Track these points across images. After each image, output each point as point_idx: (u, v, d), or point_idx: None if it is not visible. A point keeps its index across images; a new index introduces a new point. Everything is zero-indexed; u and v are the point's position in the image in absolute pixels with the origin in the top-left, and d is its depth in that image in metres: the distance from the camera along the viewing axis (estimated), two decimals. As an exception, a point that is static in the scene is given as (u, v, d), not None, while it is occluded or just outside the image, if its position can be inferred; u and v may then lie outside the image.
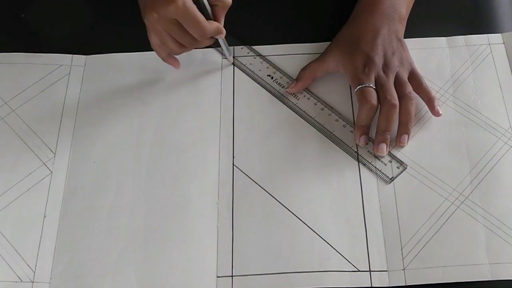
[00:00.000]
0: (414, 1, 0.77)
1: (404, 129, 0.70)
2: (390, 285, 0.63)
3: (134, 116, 0.75)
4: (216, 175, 0.70)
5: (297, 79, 0.76)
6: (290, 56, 0.78)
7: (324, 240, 0.66)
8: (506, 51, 0.76)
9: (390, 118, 0.70)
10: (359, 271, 0.64)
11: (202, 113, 0.75)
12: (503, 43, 0.77)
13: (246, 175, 0.70)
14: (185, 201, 0.69)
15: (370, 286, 0.63)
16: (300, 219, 0.67)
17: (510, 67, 0.75)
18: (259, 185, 0.69)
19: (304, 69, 0.76)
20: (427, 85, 0.72)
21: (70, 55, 0.80)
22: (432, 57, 0.76)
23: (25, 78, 0.78)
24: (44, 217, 0.69)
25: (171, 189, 0.70)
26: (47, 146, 0.73)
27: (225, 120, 0.74)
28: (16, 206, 0.70)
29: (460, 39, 0.78)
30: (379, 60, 0.72)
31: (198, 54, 0.79)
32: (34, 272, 0.66)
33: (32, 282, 0.65)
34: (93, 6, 0.84)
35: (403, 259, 0.64)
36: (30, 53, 0.80)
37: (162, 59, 0.75)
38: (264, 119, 0.74)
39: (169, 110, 0.75)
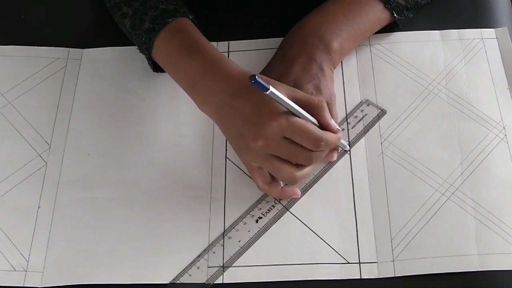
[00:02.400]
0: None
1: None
2: (380, 277, 0.63)
3: (129, 109, 0.75)
4: (209, 168, 0.71)
5: None
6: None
7: (314, 233, 0.66)
8: (499, 46, 0.76)
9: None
10: (348, 263, 0.64)
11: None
12: (496, 38, 0.77)
13: (239, 167, 0.70)
14: (177, 193, 0.69)
15: (360, 278, 0.63)
16: (290, 212, 0.67)
17: (502, 62, 0.75)
18: (250, 177, 0.69)
19: None
20: (333, 124, 0.66)
21: (67, 49, 0.81)
22: (425, 49, 0.77)
23: (22, 71, 0.79)
24: (39, 207, 0.70)
25: (165, 181, 0.70)
26: (42, 138, 0.74)
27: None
28: (11, 196, 0.70)
29: (453, 33, 0.78)
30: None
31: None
32: (28, 261, 0.66)
33: (26, 271, 0.66)
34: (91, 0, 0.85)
35: (392, 251, 0.64)
36: (27, 46, 0.81)
37: (276, 197, 0.67)
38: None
39: (164, 103, 0.75)
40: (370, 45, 0.78)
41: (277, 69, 0.72)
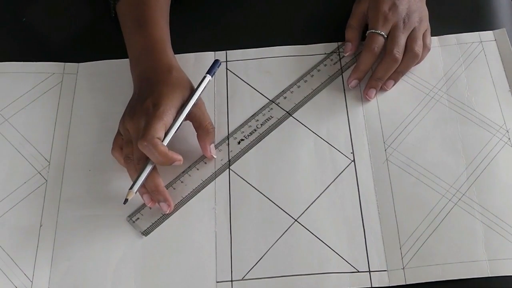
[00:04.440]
0: None
1: (395, 75, 0.75)
2: (390, 285, 0.63)
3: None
4: (213, 180, 0.70)
5: (346, 40, 0.78)
6: (283, 58, 0.78)
7: (323, 242, 0.65)
8: (498, 48, 0.77)
9: (389, 69, 0.74)
10: (358, 271, 0.64)
11: (197, 117, 0.75)
12: (495, 40, 0.77)
13: (243, 178, 0.70)
14: (182, 207, 0.69)
15: (370, 286, 0.63)
16: (298, 222, 0.67)
17: (503, 64, 0.75)
18: (256, 189, 0.69)
19: (347, 28, 0.78)
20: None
21: (62, 63, 0.80)
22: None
23: (17, 87, 0.78)
24: (41, 226, 0.68)
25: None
26: (41, 155, 0.73)
27: (219, 124, 0.74)
28: (12, 215, 0.69)
29: (451, 37, 0.78)
30: (402, 10, 0.74)
31: (190, 58, 0.79)
32: (32, 282, 0.65)
33: (30, 291, 0.65)
34: (86, 13, 0.84)
35: (402, 258, 0.64)
36: (22, 62, 0.80)
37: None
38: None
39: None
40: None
41: None
